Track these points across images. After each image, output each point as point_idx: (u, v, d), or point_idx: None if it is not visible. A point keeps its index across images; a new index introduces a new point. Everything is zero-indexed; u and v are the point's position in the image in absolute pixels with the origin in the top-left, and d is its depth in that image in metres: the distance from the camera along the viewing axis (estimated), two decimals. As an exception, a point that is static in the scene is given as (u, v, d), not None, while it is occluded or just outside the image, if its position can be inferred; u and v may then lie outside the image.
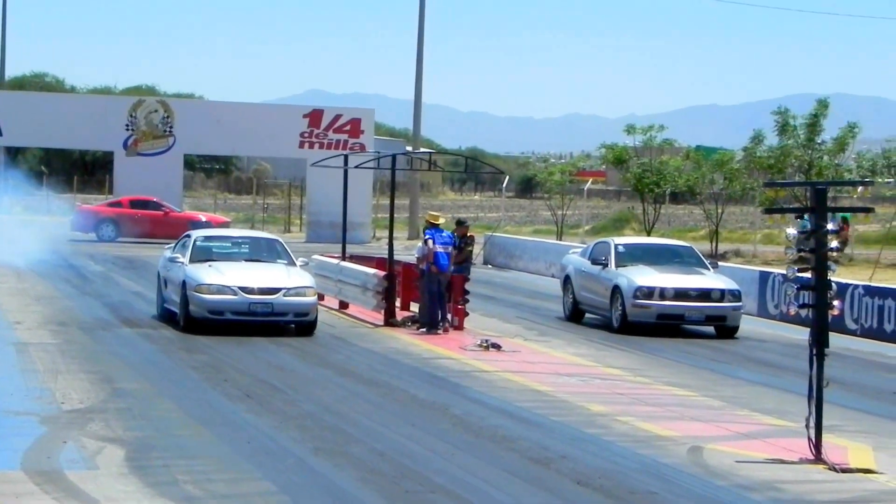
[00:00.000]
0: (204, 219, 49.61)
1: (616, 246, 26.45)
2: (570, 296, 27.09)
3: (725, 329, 24.90)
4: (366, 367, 19.55)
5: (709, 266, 26.21)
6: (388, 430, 14.46)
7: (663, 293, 24.65)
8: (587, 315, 26.75)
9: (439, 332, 23.61)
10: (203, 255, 23.44)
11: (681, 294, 24.68)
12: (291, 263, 23.50)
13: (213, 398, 16.52)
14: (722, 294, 24.76)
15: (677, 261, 26.20)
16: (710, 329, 25.18)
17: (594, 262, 26.30)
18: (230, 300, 22.09)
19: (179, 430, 14.30)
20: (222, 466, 12.54)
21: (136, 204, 50.08)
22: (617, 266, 25.57)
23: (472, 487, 11.85)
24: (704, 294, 24.74)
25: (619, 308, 24.92)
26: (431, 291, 23.84)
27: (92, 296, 28.89)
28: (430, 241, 23.93)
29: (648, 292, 24.64)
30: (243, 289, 22.14)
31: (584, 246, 29.48)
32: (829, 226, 13.78)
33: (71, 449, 13.02)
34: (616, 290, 25.04)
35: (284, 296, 22.18)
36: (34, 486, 11.32)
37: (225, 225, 49.11)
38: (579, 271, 26.84)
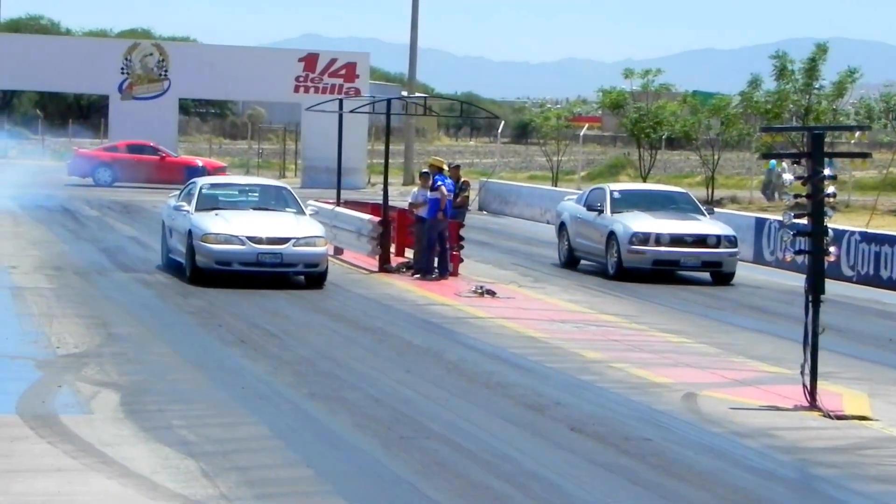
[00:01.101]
0: (201, 164, 49.44)
1: (612, 192, 26.33)
2: (566, 242, 26.99)
3: (721, 275, 24.86)
4: (360, 312, 19.54)
5: (705, 212, 26.16)
6: (383, 376, 14.46)
7: (659, 239, 24.57)
8: (582, 262, 26.69)
9: (433, 277, 23.58)
10: (209, 203, 22.66)
11: (676, 240, 24.60)
12: (301, 212, 22.83)
13: (208, 343, 16.52)
14: (718, 240, 24.70)
15: (673, 207, 26.10)
16: (706, 275, 25.14)
17: (590, 208, 26.16)
18: (238, 250, 21.33)
19: (174, 374, 14.31)
20: (217, 411, 12.55)
21: (132, 148, 49.88)
22: (612, 212, 25.45)
23: (467, 433, 11.86)
24: (700, 240, 24.68)
25: (615, 254, 24.83)
26: (432, 239, 23.78)
27: (87, 240, 28.84)
28: (443, 187, 23.88)
29: (644, 238, 24.56)
30: (251, 238, 21.38)
31: (580, 192, 29.33)
32: (826, 171, 13.73)
33: (66, 393, 13.03)
34: (611, 236, 24.96)
35: (294, 245, 21.47)
36: (29, 430, 11.33)
37: (221, 170, 48.90)
38: (574, 218, 26.69)
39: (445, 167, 25.14)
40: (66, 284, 21.24)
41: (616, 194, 26.25)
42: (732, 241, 24.89)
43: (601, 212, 25.70)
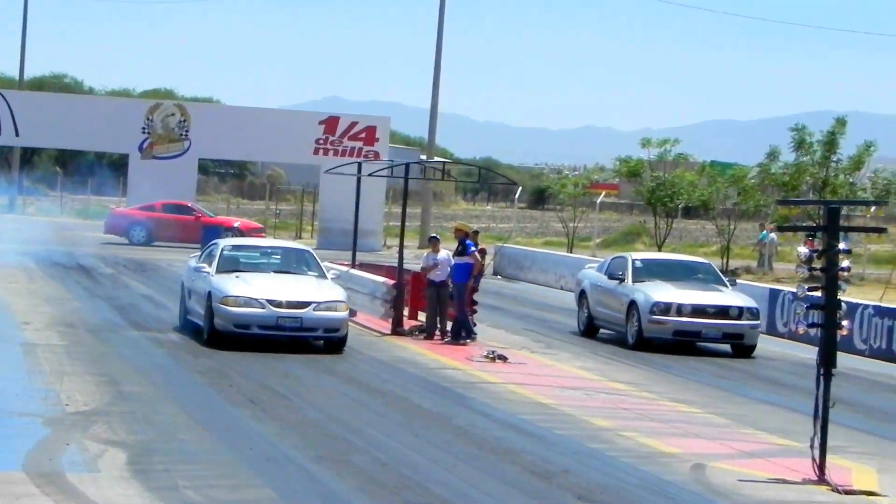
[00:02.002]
0: (237, 225, 49.32)
1: (633, 261, 26.11)
2: (586, 310, 26.67)
3: (742, 348, 24.51)
4: (371, 375, 19.53)
5: (727, 283, 25.84)
6: (391, 440, 14.43)
7: (680, 309, 24.25)
8: (602, 331, 26.44)
9: (463, 341, 23.61)
10: (230, 265, 22.34)
11: (698, 311, 24.28)
12: (322, 276, 22.46)
13: (217, 403, 16.52)
14: (740, 311, 24.39)
15: (695, 277, 25.79)
16: (727, 347, 24.77)
17: (611, 276, 25.91)
18: (257, 313, 20.96)
19: (182, 434, 14.30)
20: (223, 472, 12.53)
21: (168, 208, 50.10)
22: (634, 281, 25.21)
23: (473, 500, 11.82)
24: (722, 311, 24.35)
25: (635, 324, 24.55)
26: (463, 301, 23.98)
27: (101, 298, 28.91)
28: (476, 254, 24.31)
29: (665, 308, 24.27)
30: (271, 301, 21.02)
31: (601, 261, 29.01)
32: (841, 245, 13.73)
33: (73, 451, 13.02)
34: (632, 305, 24.69)
35: (314, 310, 21.09)
36: (34, 488, 11.32)
37: (258, 231, 48.66)
38: (595, 286, 26.45)
39: (472, 232, 25.33)
40: (77, 342, 21.29)
41: (638, 263, 26.02)
42: (755, 314, 24.63)
43: (622, 280, 25.46)
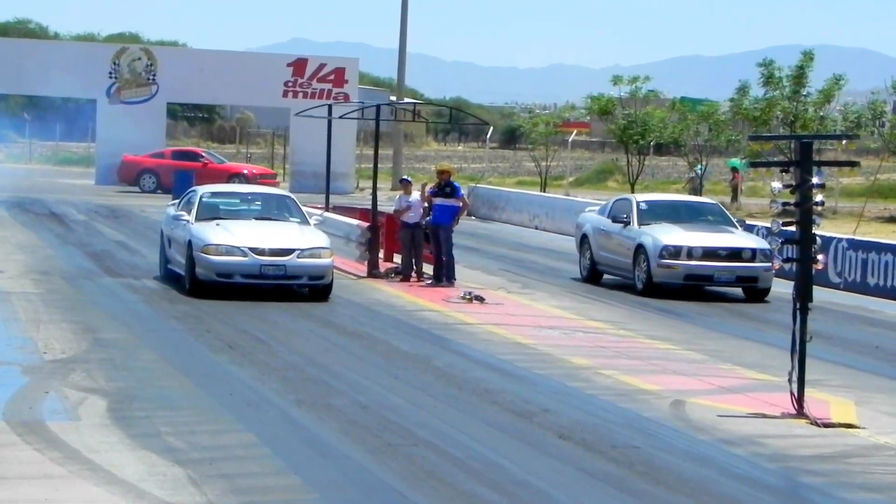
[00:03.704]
0: (246, 171, 48.76)
1: (638, 203, 24.95)
2: (588, 256, 25.50)
3: (756, 291, 23.60)
4: (349, 318, 19.52)
5: (736, 224, 24.90)
6: (371, 383, 14.45)
7: (691, 252, 23.21)
8: (605, 276, 25.21)
9: (442, 284, 23.61)
10: (210, 212, 21.83)
11: (709, 253, 23.23)
12: (305, 222, 21.97)
13: (196, 349, 16.50)
14: (753, 253, 23.39)
15: (703, 219, 24.77)
16: (738, 291, 23.87)
17: (615, 220, 24.73)
18: (240, 262, 20.54)
19: (161, 380, 14.28)
20: (204, 418, 12.53)
21: (177, 155, 49.80)
22: (640, 224, 24.09)
23: (455, 441, 11.86)
24: (735, 253, 23.35)
25: (644, 269, 23.45)
26: (451, 244, 23.97)
27: (74, 245, 28.77)
28: (465, 197, 24.67)
29: (675, 251, 23.22)
30: (254, 249, 20.60)
31: (602, 203, 27.69)
32: (815, 180, 13.75)
33: (53, 399, 13.00)
34: (640, 249, 23.59)
35: (298, 257, 20.70)
36: (16, 437, 11.30)
37: (271, 177, 47.94)
38: (598, 230, 25.23)
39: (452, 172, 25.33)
40: (53, 289, 21.19)
41: (643, 205, 24.83)
42: (768, 255, 23.05)
43: (627, 223, 24.33)
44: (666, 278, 23.40)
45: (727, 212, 26.26)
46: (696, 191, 47.42)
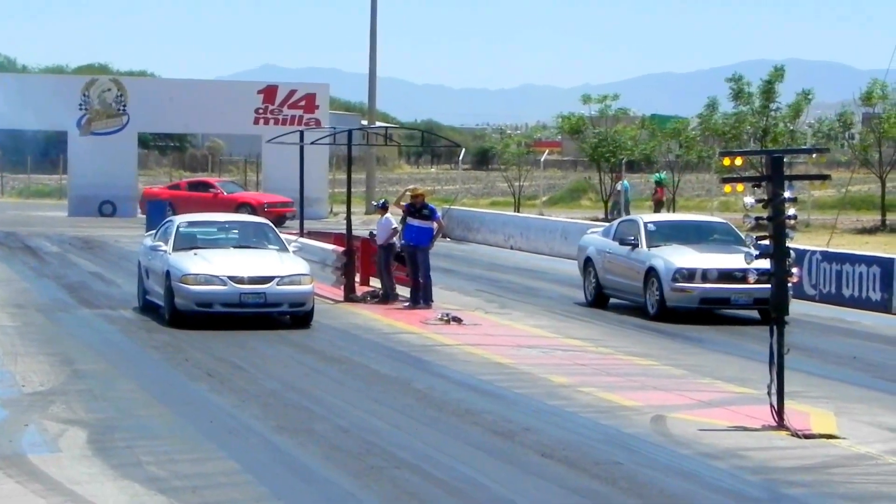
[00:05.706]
0: (252, 202, 48.00)
1: (646, 224, 24.09)
2: (593, 280, 24.64)
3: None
4: (327, 343, 19.50)
5: (748, 243, 24.33)
6: (351, 407, 14.44)
7: (706, 275, 22.32)
8: (612, 300, 24.44)
9: (420, 306, 23.64)
10: (187, 242, 21.66)
11: (725, 275, 22.22)
12: (283, 249, 21.80)
13: (175, 378, 16.45)
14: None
15: (713, 239, 23.93)
16: (754, 314, 22.91)
17: (622, 242, 23.86)
18: (219, 291, 20.37)
19: (141, 410, 14.24)
20: (186, 446, 12.49)
21: (192, 186, 49.81)
22: (649, 246, 23.25)
23: (437, 462, 11.86)
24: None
25: (656, 292, 22.57)
26: (428, 266, 24.01)
27: (49, 277, 28.67)
28: (442, 220, 24.78)
29: (689, 274, 22.32)
30: (233, 278, 20.42)
31: (606, 225, 27.06)
32: (787, 194, 13.84)
33: (33, 432, 12.95)
34: (651, 272, 22.69)
35: (278, 284, 20.52)
36: (-4, 471, 11.24)
37: (286, 205, 47.39)
38: (603, 252, 24.40)
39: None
40: (29, 322, 21.11)
41: (651, 226, 23.98)
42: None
43: (636, 245, 23.48)
44: (680, 302, 22.50)
45: (738, 231, 25.94)
46: (620, 206, 47.28)
